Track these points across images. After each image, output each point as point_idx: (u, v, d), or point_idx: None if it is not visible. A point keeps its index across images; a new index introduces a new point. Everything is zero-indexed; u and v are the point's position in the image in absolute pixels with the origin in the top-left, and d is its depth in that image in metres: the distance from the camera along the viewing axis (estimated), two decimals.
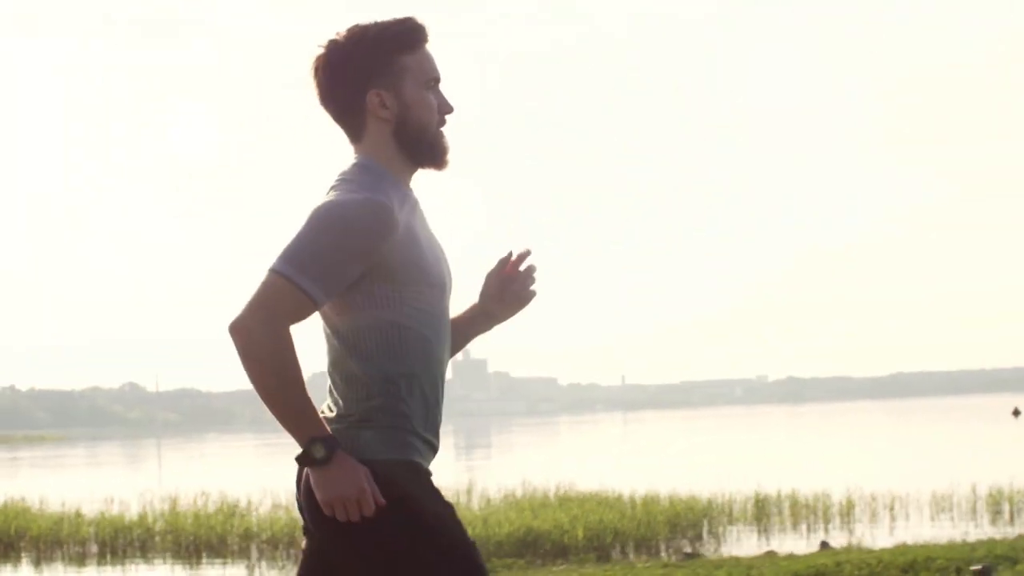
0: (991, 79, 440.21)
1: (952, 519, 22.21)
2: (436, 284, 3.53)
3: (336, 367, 3.53)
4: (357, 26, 3.58)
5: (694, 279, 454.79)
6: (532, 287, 3.94)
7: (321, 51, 3.58)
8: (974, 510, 22.94)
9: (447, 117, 3.60)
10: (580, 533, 18.91)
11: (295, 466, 3.52)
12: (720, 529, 21.68)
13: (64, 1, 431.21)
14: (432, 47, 3.62)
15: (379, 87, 3.54)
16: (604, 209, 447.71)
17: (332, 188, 3.50)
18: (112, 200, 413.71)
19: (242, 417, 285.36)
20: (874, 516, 22.75)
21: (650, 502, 21.84)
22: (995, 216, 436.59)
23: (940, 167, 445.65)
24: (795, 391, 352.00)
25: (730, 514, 22.48)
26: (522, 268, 3.93)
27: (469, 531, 3.57)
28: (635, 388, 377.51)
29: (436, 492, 3.50)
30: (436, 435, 3.56)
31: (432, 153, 3.59)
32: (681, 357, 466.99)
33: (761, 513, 22.67)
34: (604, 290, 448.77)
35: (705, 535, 21.14)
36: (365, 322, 3.44)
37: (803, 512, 22.59)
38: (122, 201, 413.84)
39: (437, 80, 3.61)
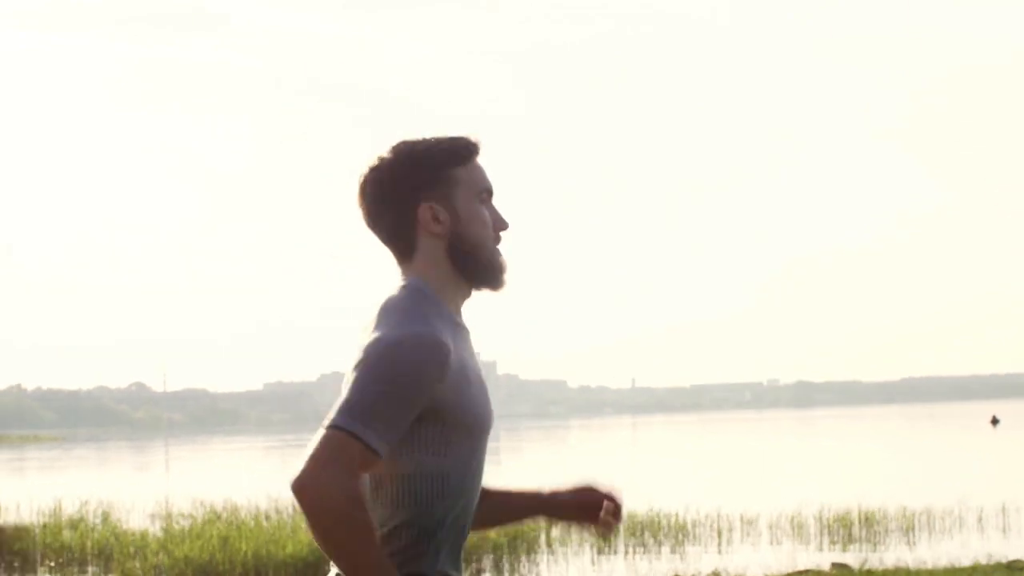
0: (1012, 83, 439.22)
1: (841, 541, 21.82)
2: (484, 427, 3.32)
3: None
4: (405, 141, 3.37)
5: (705, 282, 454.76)
6: (607, 530, 3.68)
7: (368, 168, 3.37)
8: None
9: (502, 234, 3.41)
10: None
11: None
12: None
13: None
14: (483, 159, 3.42)
15: (431, 200, 3.33)
16: (615, 212, 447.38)
17: (382, 315, 3.26)
18: (123, 201, 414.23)
19: (248, 418, 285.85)
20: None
21: None
22: (1010, 220, 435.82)
23: (956, 171, 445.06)
24: (805, 395, 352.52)
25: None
26: (611, 513, 3.65)
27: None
28: (645, 391, 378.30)
29: None
30: (459, 568, 3.37)
31: (489, 272, 3.36)
32: (692, 360, 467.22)
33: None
34: (614, 293, 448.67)
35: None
36: (407, 469, 3.24)
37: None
38: (133, 202, 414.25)
39: (490, 193, 3.41)
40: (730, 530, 23.16)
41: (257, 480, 38.46)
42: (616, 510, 3.62)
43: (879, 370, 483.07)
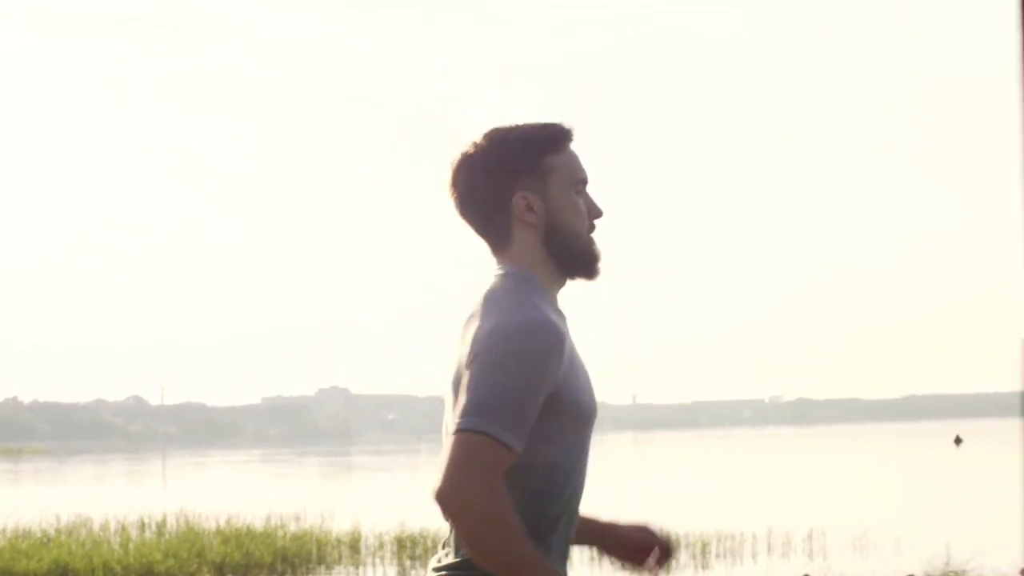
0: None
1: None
2: (591, 417, 3.23)
3: None
4: (498, 128, 3.33)
5: (707, 298, 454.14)
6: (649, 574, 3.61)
7: (460, 156, 3.32)
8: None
9: (596, 222, 3.36)
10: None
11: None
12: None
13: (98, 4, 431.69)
14: (578, 147, 3.37)
15: (525, 190, 3.30)
16: (614, 228, 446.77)
17: (488, 304, 3.20)
18: (118, 211, 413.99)
19: (245, 432, 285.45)
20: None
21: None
22: (1015, 238, 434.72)
23: (963, 188, 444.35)
24: (804, 413, 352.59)
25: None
26: (657, 560, 3.55)
27: None
28: (646, 408, 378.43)
29: None
30: (566, 563, 3.29)
31: (584, 262, 3.33)
32: (693, 377, 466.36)
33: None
34: (615, 309, 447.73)
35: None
36: (522, 460, 3.11)
37: None
38: (129, 211, 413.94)
39: (585, 182, 3.38)
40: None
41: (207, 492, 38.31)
42: (663, 557, 3.54)
43: (881, 388, 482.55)
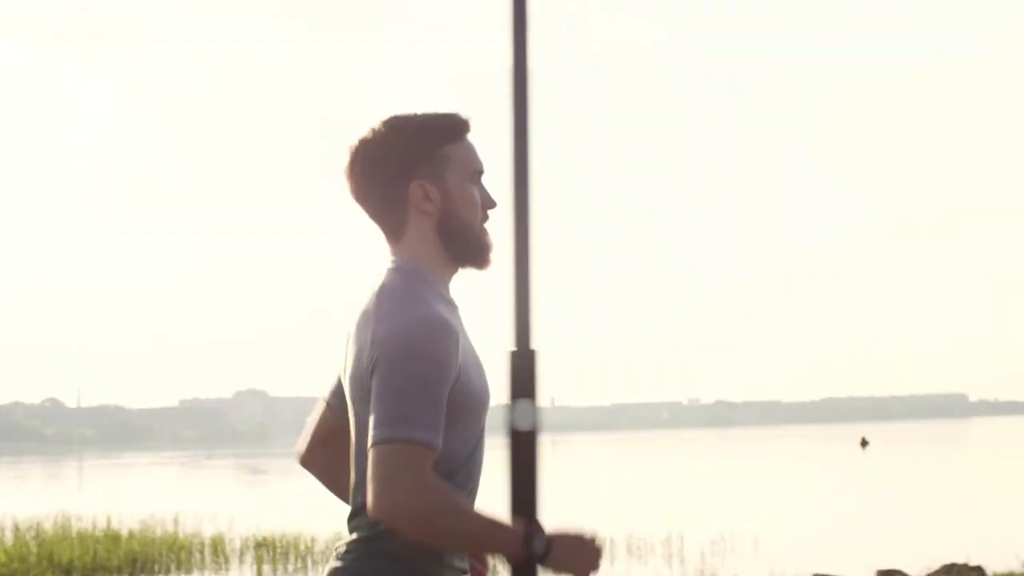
0: (945, 98, 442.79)
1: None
2: (484, 404, 3.27)
3: (364, 487, 3.24)
4: (397, 116, 3.35)
5: (626, 301, 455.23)
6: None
7: (358, 142, 3.33)
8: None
9: (489, 213, 3.39)
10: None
11: None
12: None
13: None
14: (475, 137, 3.40)
15: (422, 178, 3.32)
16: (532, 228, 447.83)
17: (381, 302, 3.21)
18: (34, 212, 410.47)
19: (161, 435, 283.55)
20: None
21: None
22: (934, 242, 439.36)
23: (881, 191, 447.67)
24: (722, 415, 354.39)
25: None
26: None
27: None
28: (563, 410, 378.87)
29: None
30: (464, 559, 3.32)
31: (476, 252, 3.35)
32: (612, 379, 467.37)
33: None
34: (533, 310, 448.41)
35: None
36: None
37: None
38: (45, 213, 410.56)
39: (481, 173, 3.40)
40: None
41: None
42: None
43: (799, 391, 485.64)
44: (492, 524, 3.10)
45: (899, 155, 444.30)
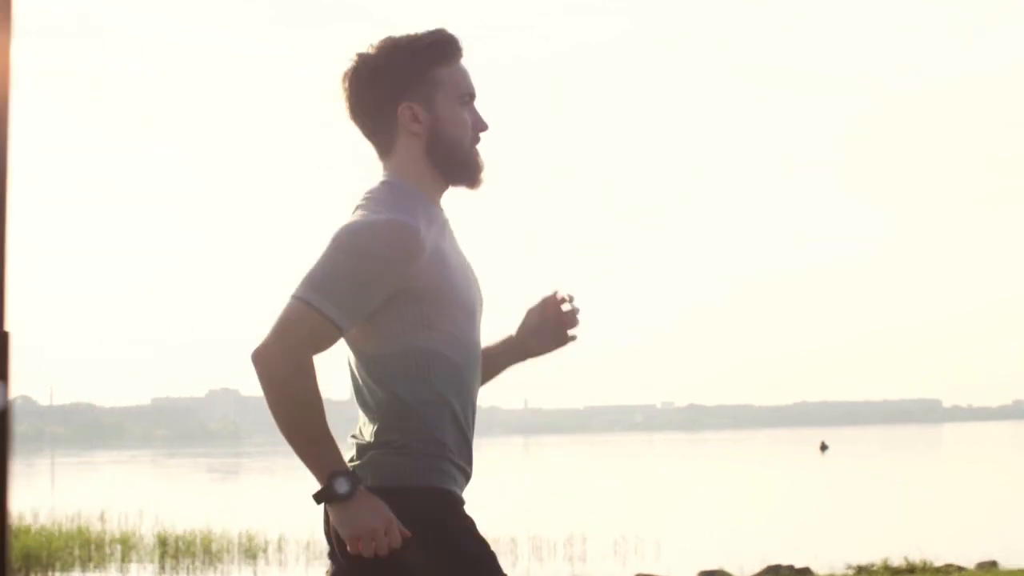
0: (939, 112, 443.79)
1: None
2: (466, 308, 3.43)
3: (365, 394, 3.39)
4: (389, 38, 3.45)
5: (599, 303, 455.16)
6: (573, 330, 3.84)
7: (351, 63, 3.45)
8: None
9: (482, 135, 3.49)
10: None
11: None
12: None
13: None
14: (468, 62, 3.49)
15: (411, 100, 3.43)
16: (509, 230, 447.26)
17: (358, 207, 3.39)
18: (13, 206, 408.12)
19: (133, 433, 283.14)
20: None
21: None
22: (904, 251, 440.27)
23: (859, 204, 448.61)
24: (695, 419, 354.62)
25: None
26: (565, 308, 3.80)
27: None
28: (537, 412, 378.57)
29: (469, 521, 3.40)
30: (470, 462, 3.46)
31: (465, 171, 3.47)
32: (586, 381, 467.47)
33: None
34: (506, 311, 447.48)
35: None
36: (395, 348, 3.32)
37: None
38: (17, 209, 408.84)
39: (472, 96, 3.49)
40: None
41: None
42: (561, 300, 3.78)
43: (772, 395, 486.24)
44: (323, 439, 3.18)
45: (889, 163, 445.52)
